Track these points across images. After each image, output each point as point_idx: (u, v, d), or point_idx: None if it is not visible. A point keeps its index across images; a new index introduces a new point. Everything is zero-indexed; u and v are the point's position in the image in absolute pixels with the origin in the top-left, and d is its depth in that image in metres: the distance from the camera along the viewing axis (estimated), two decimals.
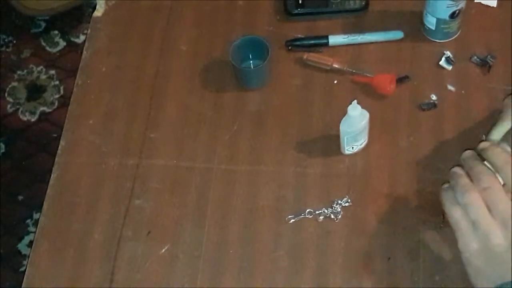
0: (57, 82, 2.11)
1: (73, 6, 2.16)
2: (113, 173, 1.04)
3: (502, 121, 0.92)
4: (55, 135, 2.00)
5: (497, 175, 0.81)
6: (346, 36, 1.12)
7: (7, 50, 2.17)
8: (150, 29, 1.18)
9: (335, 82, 1.09)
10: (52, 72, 2.13)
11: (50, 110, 2.06)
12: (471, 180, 0.81)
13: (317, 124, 1.06)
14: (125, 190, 1.03)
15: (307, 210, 0.99)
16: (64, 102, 2.05)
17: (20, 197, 1.93)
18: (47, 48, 2.17)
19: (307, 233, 0.97)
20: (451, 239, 0.93)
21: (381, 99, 1.07)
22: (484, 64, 1.08)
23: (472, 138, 1.00)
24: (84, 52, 1.17)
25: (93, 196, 1.03)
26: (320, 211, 0.98)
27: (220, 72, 1.12)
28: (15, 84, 2.11)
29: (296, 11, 1.15)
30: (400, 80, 1.07)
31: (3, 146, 2.01)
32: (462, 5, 1.05)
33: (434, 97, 1.07)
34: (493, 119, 0.94)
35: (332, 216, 0.98)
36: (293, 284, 0.94)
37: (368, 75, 1.08)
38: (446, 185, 0.84)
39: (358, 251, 0.95)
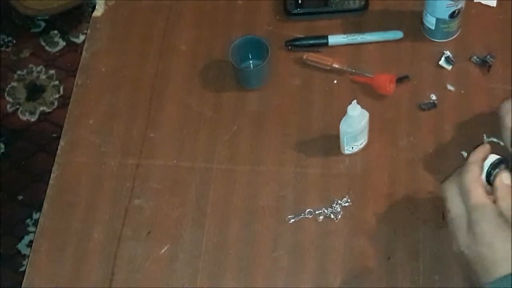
0: (56, 82, 2.10)
1: (73, 6, 2.15)
2: (113, 173, 1.04)
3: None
4: (55, 135, 1.99)
5: None
6: (345, 36, 1.12)
7: (7, 50, 2.17)
8: (150, 29, 1.18)
9: (335, 82, 1.09)
10: (52, 72, 2.12)
11: (49, 110, 2.06)
12: None
13: (317, 124, 1.06)
14: (124, 190, 1.03)
15: (307, 210, 0.98)
16: (64, 102, 2.04)
17: (20, 197, 1.92)
18: (47, 48, 2.16)
19: (307, 233, 0.97)
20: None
21: (381, 99, 1.07)
22: (484, 64, 1.08)
23: (472, 138, 1.00)
24: (84, 52, 1.17)
25: (93, 196, 1.03)
26: (320, 211, 0.98)
27: (220, 72, 1.12)
28: (14, 84, 2.11)
29: (295, 11, 1.15)
30: (400, 80, 1.07)
31: (2, 146, 2.01)
32: (461, 5, 1.05)
33: (434, 97, 1.06)
34: (493, 119, 0.94)
35: (332, 216, 0.98)
36: (293, 284, 0.94)
37: (368, 75, 1.08)
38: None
39: (358, 251, 0.95)
